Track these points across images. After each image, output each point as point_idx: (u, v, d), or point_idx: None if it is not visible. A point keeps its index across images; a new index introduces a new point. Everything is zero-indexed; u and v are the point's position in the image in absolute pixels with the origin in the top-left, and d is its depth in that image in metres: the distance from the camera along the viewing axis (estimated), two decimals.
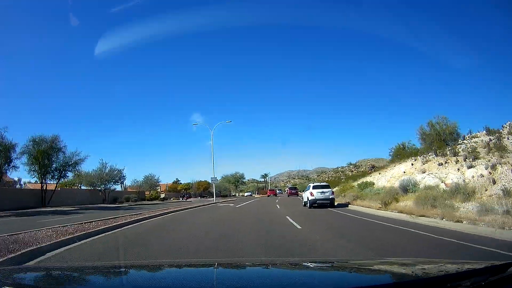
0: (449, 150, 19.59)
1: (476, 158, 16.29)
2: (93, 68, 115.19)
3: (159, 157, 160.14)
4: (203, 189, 76.66)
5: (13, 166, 28.96)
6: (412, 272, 1.76)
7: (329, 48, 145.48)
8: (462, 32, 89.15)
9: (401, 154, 28.13)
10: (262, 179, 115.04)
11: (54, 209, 25.92)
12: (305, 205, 21.54)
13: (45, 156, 31.29)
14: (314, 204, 19.87)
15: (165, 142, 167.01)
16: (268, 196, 56.26)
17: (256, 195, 71.28)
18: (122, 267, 2.04)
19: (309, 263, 2.42)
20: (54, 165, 33.24)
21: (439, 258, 3.93)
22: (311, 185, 22.30)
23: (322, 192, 20.00)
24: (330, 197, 19.88)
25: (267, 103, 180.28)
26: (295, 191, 52.36)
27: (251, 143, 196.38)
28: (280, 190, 78.99)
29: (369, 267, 1.99)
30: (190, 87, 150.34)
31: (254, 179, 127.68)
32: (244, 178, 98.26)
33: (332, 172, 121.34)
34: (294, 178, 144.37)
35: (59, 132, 49.32)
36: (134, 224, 11.87)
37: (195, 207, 24.26)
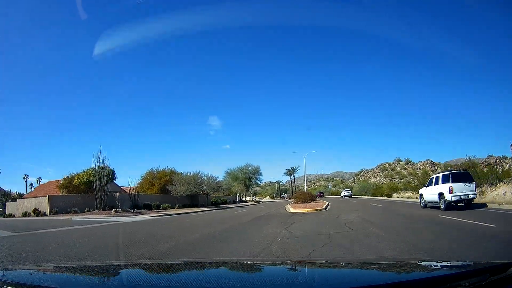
0: None
1: None
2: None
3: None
4: (159, 188, 37.18)
5: None
6: (412, 272, 1.77)
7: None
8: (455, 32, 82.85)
9: None
10: (284, 180, 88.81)
11: None
12: (425, 206, 15.78)
13: None
14: (458, 203, 13.72)
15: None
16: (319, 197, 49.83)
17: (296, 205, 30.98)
18: (122, 267, 2.07)
19: (309, 263, 2.43)
20: None
21: None
22: (442, 174, 14.98)
23: (466, 184, 13.55)
24: (473, 193, 13.83)
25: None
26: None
27: (257, 146, 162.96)
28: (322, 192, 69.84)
29: (369, 267, 2.00)
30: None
31: (269, 182, 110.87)
32: (261, 174, 66.90)
33: (378, 170, 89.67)
34: (320, 180, 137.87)
35: None
36: None
37: None
